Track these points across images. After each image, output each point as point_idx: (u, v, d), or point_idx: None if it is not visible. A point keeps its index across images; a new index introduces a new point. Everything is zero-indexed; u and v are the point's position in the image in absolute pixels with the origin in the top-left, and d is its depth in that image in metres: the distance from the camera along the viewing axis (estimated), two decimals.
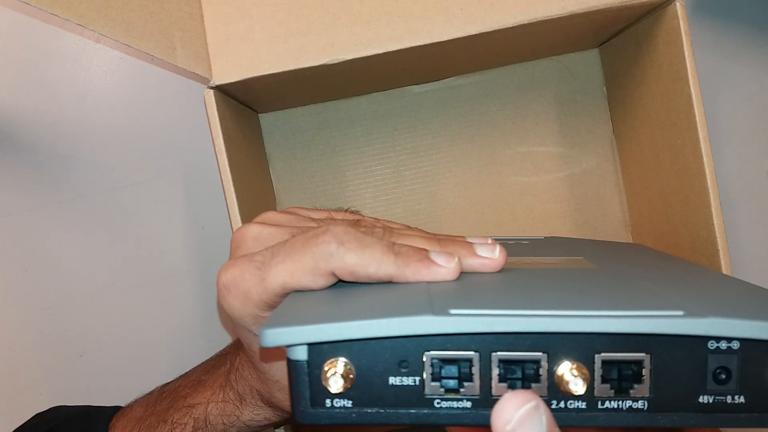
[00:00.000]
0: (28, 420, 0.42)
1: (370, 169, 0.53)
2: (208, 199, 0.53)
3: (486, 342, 0.23)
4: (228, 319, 0.54)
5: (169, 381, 0.40)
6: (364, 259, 0.26)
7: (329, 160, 0.53)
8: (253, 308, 0.28)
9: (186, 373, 0.40)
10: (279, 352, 0.31)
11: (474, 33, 0.39)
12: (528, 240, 0.42)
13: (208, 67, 0.39)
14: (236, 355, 0.36)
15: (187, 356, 0.52)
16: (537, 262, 0.31)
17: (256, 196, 0.46)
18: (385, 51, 0.39)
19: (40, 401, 0.53)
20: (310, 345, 0.23)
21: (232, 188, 0.39)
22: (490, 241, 0.29)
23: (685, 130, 0.40)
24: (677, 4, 0.39)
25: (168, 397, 0.38)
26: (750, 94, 0.53)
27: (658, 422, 0.23)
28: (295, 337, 0.22)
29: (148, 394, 0.40)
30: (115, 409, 0.40)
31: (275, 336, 0.22)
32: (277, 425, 0.40)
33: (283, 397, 0.33)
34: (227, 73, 0.39)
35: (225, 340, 0.54)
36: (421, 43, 0.39)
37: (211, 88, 0.39)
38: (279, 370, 0.31)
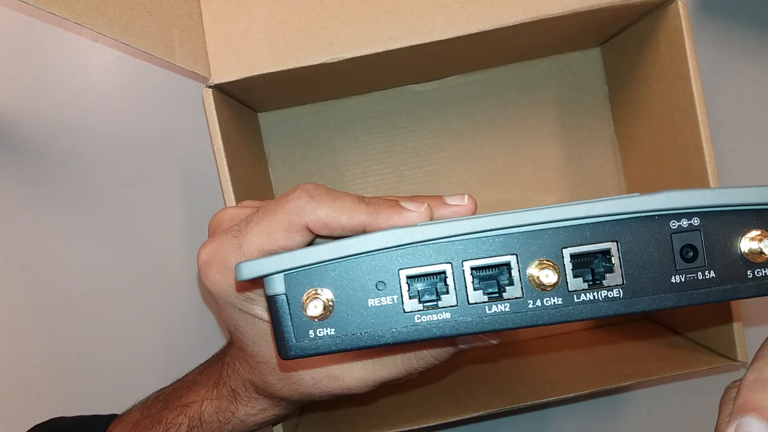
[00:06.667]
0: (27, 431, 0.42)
1: (370, 168, 0.53)
2: (207, 199, 0.53)
3: (456, 251, 0.24)
4: (216, 308, 0.53)
5: (165, 386, 0.40)
6: (336, 210, 0.27)
7: (329, 160, 0.53)
8: (234, 279, 0.28)
9: (182, 377, 0.40)
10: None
11: (475, 32, 0.38)
12: None
13: (206, 66, 0.39)
14: (227, 352, 0.36)
15: (186, 356, 0.52)
16: None
17: (254, 195, 0.45)
18: (385, 50, 0.39)
19: (39, 401, 0.53)
20: (287, 275, 0.24)
21: (230, 188, 0.39)
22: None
23: (687, 129, 0.40)
24: (679, 2, 0.39)
25: (164, 399, 0.37)
26: (752, 93, 0.53)
27: (635, 308, 0.23)
28: (270, 266, 0.23)
29: (144, 399, 0.40)
30: (113, 417, 0.40)
31: (250, 267, 0.23)
32: (275, 422, 0.40)
33: (275, 380, 0.32)
34: (226, 72, 0.39)
35: (223, 339, 0.53)
36: (422, 42, 0.39)
37: (210, 87, 0.39)
38: (268, 349, 0.31)
